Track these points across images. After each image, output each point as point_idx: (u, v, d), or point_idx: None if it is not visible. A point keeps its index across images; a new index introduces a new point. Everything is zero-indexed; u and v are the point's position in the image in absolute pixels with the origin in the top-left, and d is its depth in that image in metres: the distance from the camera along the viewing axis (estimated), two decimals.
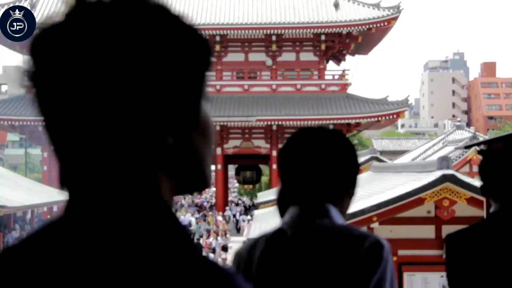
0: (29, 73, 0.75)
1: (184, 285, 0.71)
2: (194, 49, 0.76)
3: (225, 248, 24.09)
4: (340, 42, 39.08)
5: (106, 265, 0.71)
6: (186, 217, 34.28)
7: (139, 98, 0.72)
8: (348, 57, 42.84)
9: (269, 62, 39.82)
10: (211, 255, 20.81)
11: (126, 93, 0.71)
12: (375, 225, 10.93)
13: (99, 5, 0.74)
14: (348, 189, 1.76)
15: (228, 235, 25.85)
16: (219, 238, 25.78)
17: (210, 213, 36.26)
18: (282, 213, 2.08)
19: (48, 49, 0.73)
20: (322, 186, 1.72)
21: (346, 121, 35.74)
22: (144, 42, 0.72)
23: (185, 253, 0.74)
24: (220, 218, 33.07)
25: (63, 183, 0.78)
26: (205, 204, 48.40)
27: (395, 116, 37.09)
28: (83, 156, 0.74)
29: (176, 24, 0.76)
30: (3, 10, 8.86)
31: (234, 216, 37.01)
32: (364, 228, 7.18)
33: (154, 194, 0.75)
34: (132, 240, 0.72)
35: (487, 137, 26.81)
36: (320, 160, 1.71)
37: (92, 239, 0.72)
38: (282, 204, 1.98)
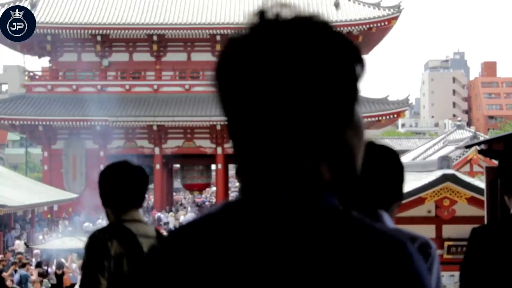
0: (219, 81, 0.91)
1: (363, 253, 0.83)
2: (353, 62, 0.90)
3: None
4: None
5: (291, 238, 0.85)
6: (187, 216, 34.23)
7: (310, 99, 0.87)
8: None
9: None
10: None
11: (301, 96, 0.86)
12: None
13: (278, 22, 0.89)
14: (396, 198, 1.95)
15: None
16: None
17: None
18: None
19: (239, 60, 0.88)
20: (375, 195, 1.90)
21: None
22: (316, 55, 0.87)
23: (352, 225, 0.87)
24: None
25: (240, 173, 0.92)
26: (206, 203, 48.36)
27: (395, 115, 37.07)
28: (263, 149, 0.89)
29: (339, 40, 0.91)
30: (3, 10, 8.84)
31: None
32: None
33: (316, 178, 0.90)
34: (304, 214, 0.87)
35: (487, 137, 26.76)
36: (374, 172, 1.89)
37: (275, 217, 0.86)
38: None
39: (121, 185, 3.10)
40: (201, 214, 0.93)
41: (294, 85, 0.86)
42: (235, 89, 0.88)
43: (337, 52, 0.89)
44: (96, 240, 3.04)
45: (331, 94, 0.87)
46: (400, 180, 1.94)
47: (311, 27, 0.90)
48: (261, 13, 0.91)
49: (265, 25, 0.90)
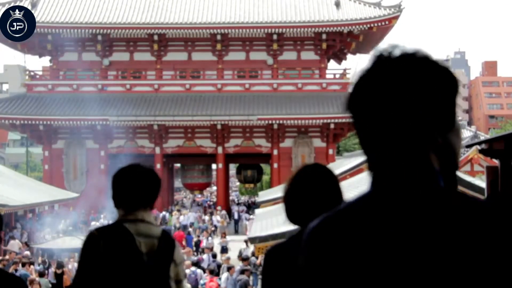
0: (355, 105, 1.25)
1: (483, 220, 1.15)
2: (451, 82, 1.24)
3: (224, 249, 23.93)
4: (341, 41, 39.07)
5: (429, 213, 1.17)
6: (187, 216, 34.20)
7: (425, 111, 1.19)
8: (349, 56, 42.82)
9: (270, 61, 39.81)
10: (204, 256, 20.61)
11: (419, 109, 1.19)
12: None
13: (396, 59, 1.21)
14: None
15: (226, 235, 25.71)
16: (210, 238, 25.70)
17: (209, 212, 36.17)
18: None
19: (373, 88, 1.21)
20: None
21: (347, 120, 35.66)
22: (426, 80, 1.20)
23: (466, 201, 1.20)
24: (219, 217, 32.97)
25: (372, 169, 1.25)
26: (208, 202, 48.35)
27: None
28: (395, 149, 1.22)
29: (439, 67, 1.23)
30: (3, 10, 8.83)
31: (232, 215, 36.79)
32: None
33: (429, 166, 1.23)
34: (428, 191, 1.20)
35: (488, 136, 26.77)
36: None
37: (409, 198, 1.19)
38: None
39: (129, 187, 3.22)
40: (342, 207, 1.23)
41: (413, 103, 1.18)
42: (371, 109, 1.21)
43: (439, 76, 1.22)
44: (89, 237, 3.16)
45: (438, 107, 1.20)
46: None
47: (418, 60, 1.22)
48: (380, 53, 1.23)
49: (386, 61, 1.22)
